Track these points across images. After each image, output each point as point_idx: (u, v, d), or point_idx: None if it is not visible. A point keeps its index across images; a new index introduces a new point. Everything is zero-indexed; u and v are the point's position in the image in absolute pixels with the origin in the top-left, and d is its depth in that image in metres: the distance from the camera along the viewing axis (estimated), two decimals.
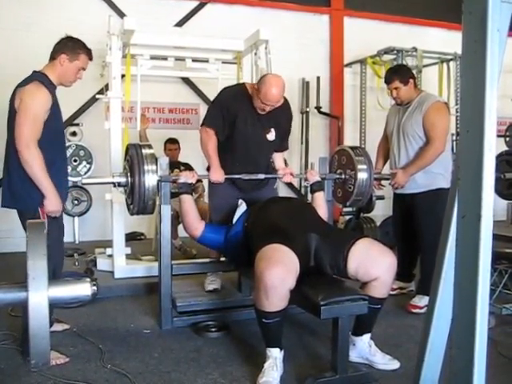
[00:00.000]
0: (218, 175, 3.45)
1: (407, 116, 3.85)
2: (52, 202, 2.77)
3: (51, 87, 2.82)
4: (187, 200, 3.42)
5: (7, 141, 2.85)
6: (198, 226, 3.40)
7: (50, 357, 2.63)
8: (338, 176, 3.83)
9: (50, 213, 2.78)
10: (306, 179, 3.69)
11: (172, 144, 5.88)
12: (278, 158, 3.76)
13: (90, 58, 3.00)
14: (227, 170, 3.49)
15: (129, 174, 3.31)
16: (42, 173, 2.70)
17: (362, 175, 3.66)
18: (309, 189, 3.69)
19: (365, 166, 3.68)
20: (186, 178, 3.39)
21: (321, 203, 3.53)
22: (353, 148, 3.84)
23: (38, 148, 2.69)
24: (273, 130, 3.53)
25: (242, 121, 3.43)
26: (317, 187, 3.60)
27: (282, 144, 3.72)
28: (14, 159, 2.76)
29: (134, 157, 3.24)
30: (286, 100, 3.52)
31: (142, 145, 3.38)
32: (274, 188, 3.83)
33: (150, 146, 3.35)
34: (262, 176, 3.53)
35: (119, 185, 3.39)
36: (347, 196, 3.80)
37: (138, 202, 3.23)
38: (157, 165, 3.29)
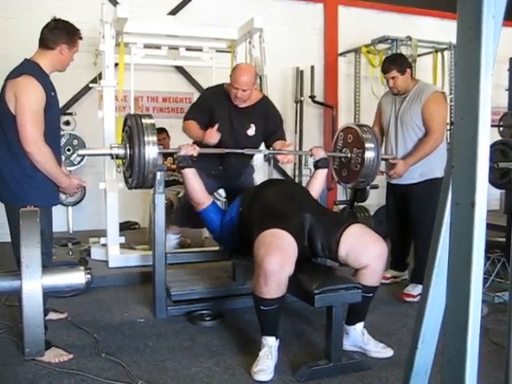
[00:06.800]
0: (214, 135, 3.45)
1: (405, 106, 3.84)
2: (68, 189, 2.95)
3: (43, 77, 2.74)
4: (191, 175, 3.30)
5: None
6: (204, 201, 3.37)
7: (53, 354, 2.67)
8: (343, 154, 3.73)
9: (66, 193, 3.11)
10: (311, 155, 3.61)
11: (159, 134, 5.81)
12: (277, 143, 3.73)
13: (81, 38, 2.98)
14: (210, 164, 3.65)
15: (128, 146, 3.13)
16: (55, 169, 2.77)
17: (370, 154, 3.54)
18: (313, 165, 3.63)
19: (372, 145, 3.56)
20: (186, 150, 3.29)
21: (320, 181, 3.52)
22: (360, 126, 3.73)
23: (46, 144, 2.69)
24: (252, 125, 3.66)
25: (221, 115, 3.57)
26: (322, 164, 3.55)
27: (275, 136, 3.74)
28: (5, 151, 2.72)
29: (134, 127, 3.05)
30: (264, 96, 3.83)
31: (141, 115, 3.21)
32: (252, 177, 4.00)
33: (150, 116, 3.18)
34: (249, 151, 3.64)
35: (117, 157, 3.24)
36: (352, 176, 3.69)
37: (138, 174, 3.07)
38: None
